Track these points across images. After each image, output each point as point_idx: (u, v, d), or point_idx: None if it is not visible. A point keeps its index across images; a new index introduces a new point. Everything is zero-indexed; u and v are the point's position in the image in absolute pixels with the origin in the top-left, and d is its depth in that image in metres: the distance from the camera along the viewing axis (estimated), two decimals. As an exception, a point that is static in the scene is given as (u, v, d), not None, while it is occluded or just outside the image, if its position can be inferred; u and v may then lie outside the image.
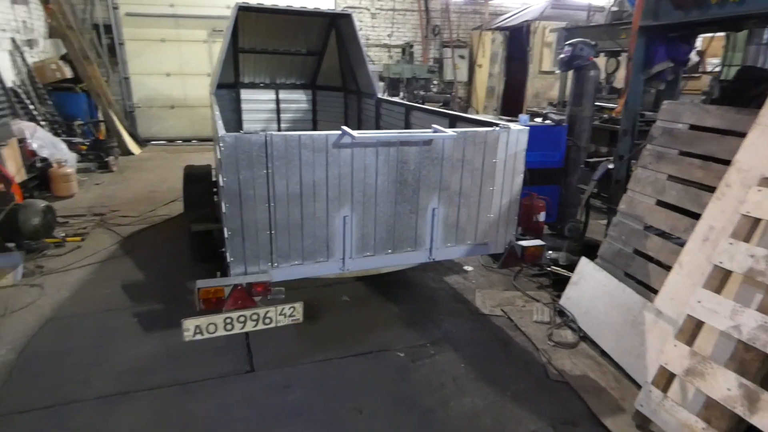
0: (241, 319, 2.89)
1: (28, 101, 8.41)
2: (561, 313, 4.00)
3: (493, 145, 3.32)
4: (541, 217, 5.40)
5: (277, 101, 7.61)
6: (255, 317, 2.92)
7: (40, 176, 6.70)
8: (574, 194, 5.83)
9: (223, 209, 2.79)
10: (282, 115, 7.72)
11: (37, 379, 3.07)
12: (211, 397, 2.97)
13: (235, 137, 2.68)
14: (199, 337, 2.82)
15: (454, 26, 13.10)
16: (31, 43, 9.49)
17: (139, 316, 3.81)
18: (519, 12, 12.10)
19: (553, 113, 5.70)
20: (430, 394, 3.05)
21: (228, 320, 2.86)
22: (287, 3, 5.98)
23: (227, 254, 2.86)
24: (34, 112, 8.44)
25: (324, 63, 7.30)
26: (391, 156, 3.06)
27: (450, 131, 3.08)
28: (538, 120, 5.74)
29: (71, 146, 7.80)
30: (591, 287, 3.85)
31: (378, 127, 6.32)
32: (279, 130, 7.73)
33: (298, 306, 3.00)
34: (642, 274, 3.54)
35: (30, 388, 2.99)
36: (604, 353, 3.48)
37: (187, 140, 11.69)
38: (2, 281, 4.15)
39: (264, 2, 5.66)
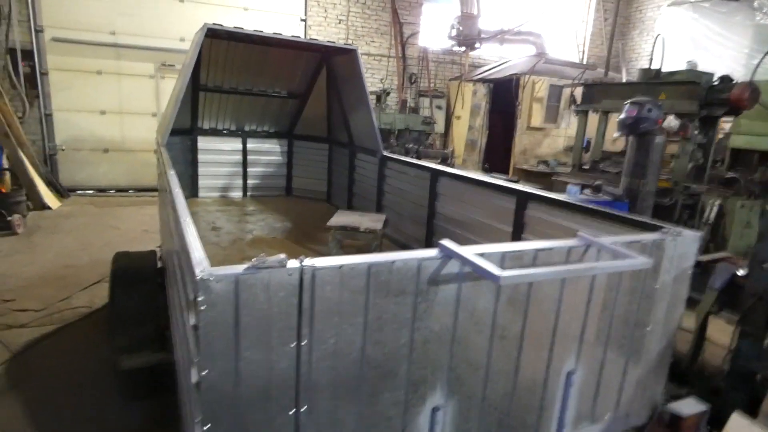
0: None
1: None
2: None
3: (656, 262, 2.01)
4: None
5: (244, 152, 6.09)
6: None
7: None
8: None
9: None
10: (249, 169, 6.19)
11: None
12: None
13: (235, 282, 1.17)
14: None
15: (432, 75, 12.27)
16: None
17: None
18: (502, 65, 11.44)
19: (607, 185, 4.58)
20: None
21: None
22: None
23: None
24: None
25: (307, 108, 5.92)
26: (521, 293, 1.65)
27: (641, 257, 1.67)
28: (587, 192, 4.61)
29: (-44, 203, 5.80)
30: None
31: (380, 192, 4.93)
32: (245, 186, 6.17)
33: None
34: None
35: None
36: None
37: (122, 190, 9.74)
38: None
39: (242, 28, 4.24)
